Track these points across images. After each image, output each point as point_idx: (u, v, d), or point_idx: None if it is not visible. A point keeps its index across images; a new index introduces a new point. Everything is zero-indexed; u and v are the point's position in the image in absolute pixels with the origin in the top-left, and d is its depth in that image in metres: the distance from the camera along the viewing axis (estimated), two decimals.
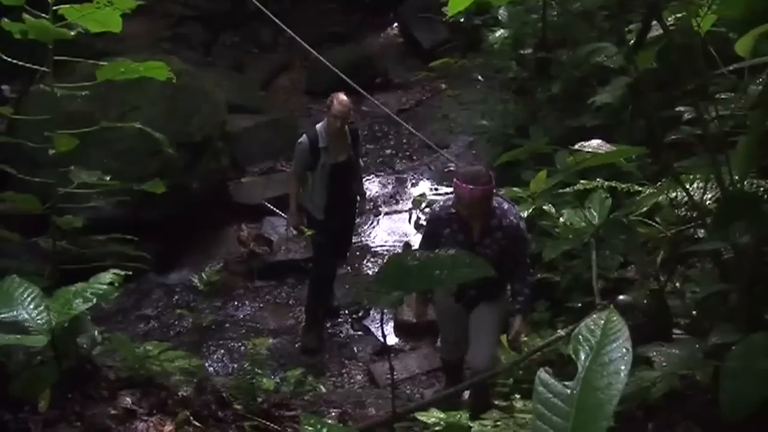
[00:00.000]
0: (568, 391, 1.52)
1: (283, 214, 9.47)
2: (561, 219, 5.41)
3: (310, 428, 1.55)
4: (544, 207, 5.99)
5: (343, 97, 8.22)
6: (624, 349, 1.58)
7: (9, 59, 4.78)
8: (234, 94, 12.78)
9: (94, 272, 4.71)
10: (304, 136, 8.40)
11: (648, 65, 4.64)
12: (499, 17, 8.46)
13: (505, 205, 5.93)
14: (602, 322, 1.68)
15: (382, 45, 16.21)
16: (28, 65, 4.95)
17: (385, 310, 8.64)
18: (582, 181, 5.11)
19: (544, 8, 7.83)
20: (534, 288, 6.18)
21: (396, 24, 16.53)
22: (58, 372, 4.57)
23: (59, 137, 4.95)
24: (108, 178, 5.51)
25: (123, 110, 9.45)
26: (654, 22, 4.20)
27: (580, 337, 1.65)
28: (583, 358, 1.59)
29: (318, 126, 8.40)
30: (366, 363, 8.38)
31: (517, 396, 5.16)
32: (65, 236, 5.52)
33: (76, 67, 5.51)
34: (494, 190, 5.77)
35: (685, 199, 3.90)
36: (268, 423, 6.05)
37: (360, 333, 9.00)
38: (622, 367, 1.53)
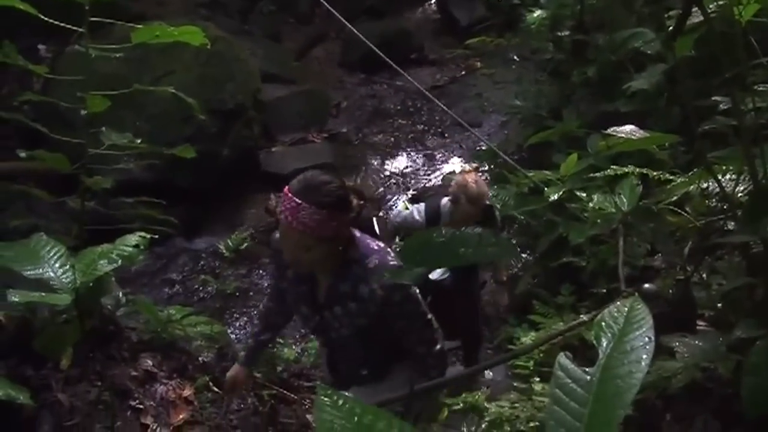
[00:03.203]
0: (588, 377, 1.51)
1: None
2: (590, 203, 5.36)
3: (326, 399, 1.54)
4: (576, 191, 5.88)
5: (471, 180, 6.17)
6: (647, 338, 1.56)
7: (46, 18, 4.79)
8: (268, 63, 12.80)
9: (120, 234, 4.73)
10: (422, 210, 6.61)
11: (686, 53, 4.60)
12: None
13: (374, 262, 3.78)
14: (626, 309, 1.67)
15: (418, 20, 16.15)
16: (64, 25, 4.95)
17: None
18: (613, 167, 5.08)
19: None
20: (441, 358, 4.14)
21: (434, 0, 16.46)
22: (80, 331, 4.60)
23: (92, 98, 4.96)
24: (139, 141, 5.52)
25: (157, 74, 9.47)
26: (695, 9, 4.15)
27: (603, 323, 1.64)
28: (604, 344, 1.57)
29: (443, 203, 6.53)
30: None
31: (537, 379, 5.14)
32: (94, 197, 5.54)
33: (112, 30, 5.51)
34: (334, 227, 3.60)
35: (717, 190, 3.86)
36: (286, 392, 6.09)
37: None
38: (644, 356, 1.52)
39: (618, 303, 1.70)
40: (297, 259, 3.75)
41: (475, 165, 6.03)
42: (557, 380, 1.52)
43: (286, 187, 3.58)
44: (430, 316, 4.02)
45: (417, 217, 6.67)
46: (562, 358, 1.56)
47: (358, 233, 3.94)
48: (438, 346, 4.09)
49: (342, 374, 4.44)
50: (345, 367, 4.39)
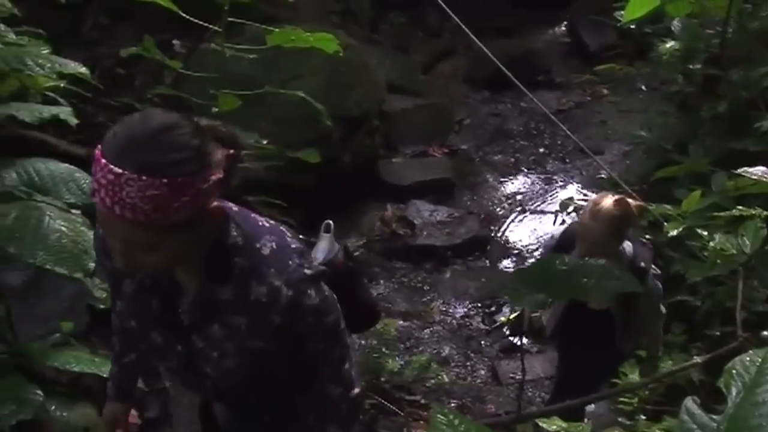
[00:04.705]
0: (715, 425, 1.48)
1: None
2: (711, 243, 5.26)
3: (441, 417, 1.54)
4: (697, 229, 5.75)
5: (607, 203, 4.82)
6: None
7: (185, 16, 4.91)
8: (395, 74, 12.86)
9: None
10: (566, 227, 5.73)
11: None
12: (672, 28, 8.29)
13: (269, 246, 2.49)
14: (759, 359, 1.63)
15: (547, 42, 16.05)
16: (202, 23, 5.06)
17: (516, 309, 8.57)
18: (738, 207, 4.99)
19: (725, 25, 7.62)
20: (357, 407, 2.91)
21: (564, 23, 16.35)
22: None
23: (223, 96, 5.06)
24: (265, 142, 5.61)
25: (285, 77, 9.57)
26: None
27: (734, 371, 1.59)
28: (734, 393, 1.54)
29: None
30: (491, 359, 8.34)
31: (642, 417, 5.07)
32: None
33: (244, 30, 5.62)
34: (190, 204, 2.19)
35: None
36: (387, 403, 6.11)
37: (489, 328, 8.96)
38: None
39: (751, 352, 1.65)
40: (136, 265, 2.35)
41: (636, 202, 5.01)
42: (684, 425, 1.49)
43: (98, 148, 2.16)
44: (348, 339, 2.81)
45: (552, 238, 5.82)
46: (690, 403, 1.53)
47: (232, 206, 2.58)
48: (357, 390, 2.84)
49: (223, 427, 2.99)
50: (232, 420, 2.92)
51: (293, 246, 2.54)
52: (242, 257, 2.45)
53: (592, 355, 5.33)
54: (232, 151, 2.38)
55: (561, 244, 5.34)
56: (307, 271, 2.49)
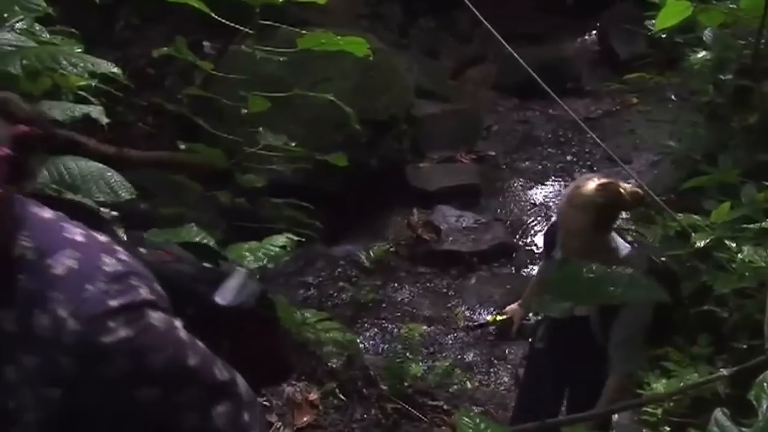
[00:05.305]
0: None
1: None
2: (739, 255, 5.23)
3: (467, 421, 1.53)
4: (725, 240, 5.70)
5: (589, 187, 4.07)
6: None
7: (217, 17, 4.93)
8: (424, 79, 12.88)
9: (262, 232, 4.82)
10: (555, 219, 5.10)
11: None
12: (704, 38, 8.25)
13: (64, 264, 1.73)
14: None
15: (577, 50, 16.00)
16: (233, 25, 5.09)
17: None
18: None
19: (758, 35, 7.57)
20: None
21: (595, 31, 16.30)
22: None
23: (253, 98, 5.09)
24: (293, 145, 5.63)
25: (314, 80, 9.58)
26: None
27: (765, 384, 1.59)
28: (765, 407, 1.53)
29: None
30: (515, 366, 8.31)
31: (667, 429, 5.04)
32: (243, 194, 5.67)
33: (275, 32, 5.64)
34: None
35: None
36: (410, 408, 6.10)
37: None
38: None
39: None
40: None
41: (634, 187, 4.32)
42: None
43: None
44: (226, 376, 2.01)
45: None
46: (720, 415, 1.52)
47: (40, 209, 1.87)
48: None
49: None
50: None
51: (106, 269, 1.77)
52: (27, 276, 1.75)
53: (574, 365, 4.87)
54: (25, 128, 1.78)
55: (547, 237, 4.89)
56: (113, 302, 1.73)
